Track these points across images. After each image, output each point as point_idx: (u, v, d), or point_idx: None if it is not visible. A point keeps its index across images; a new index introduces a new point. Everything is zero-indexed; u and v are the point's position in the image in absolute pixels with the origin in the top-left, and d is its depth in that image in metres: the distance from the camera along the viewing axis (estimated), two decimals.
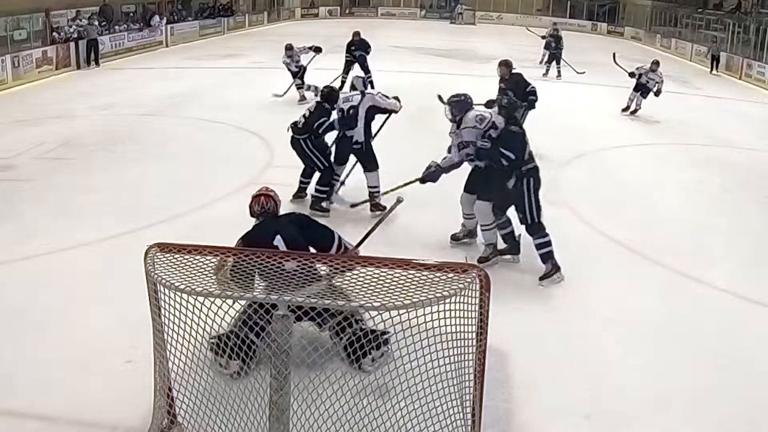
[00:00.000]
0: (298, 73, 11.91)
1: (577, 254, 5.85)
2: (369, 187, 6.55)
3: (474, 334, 3.03)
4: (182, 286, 2.84)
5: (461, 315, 2.95)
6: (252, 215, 4.08)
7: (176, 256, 3.07)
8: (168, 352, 3.07)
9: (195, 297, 2.82)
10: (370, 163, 6.55)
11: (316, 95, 11.36)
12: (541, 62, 17.28)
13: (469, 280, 2.94)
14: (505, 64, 8.70)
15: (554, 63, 16.60)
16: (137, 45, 19.24)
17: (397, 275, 3.05)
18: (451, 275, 3.03)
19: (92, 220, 6.19)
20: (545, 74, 16.47)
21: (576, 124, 11.04)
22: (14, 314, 4.47)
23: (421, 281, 3.02)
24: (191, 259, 3.04)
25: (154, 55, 19.09)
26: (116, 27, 18.92)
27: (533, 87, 8.55)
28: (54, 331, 4.30)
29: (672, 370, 4.17)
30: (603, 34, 32.99)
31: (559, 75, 16.49)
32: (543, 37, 17.54)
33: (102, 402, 3.60)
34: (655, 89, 11.64)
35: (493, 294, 3.00)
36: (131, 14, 20.52)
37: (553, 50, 16.64)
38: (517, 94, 7.75)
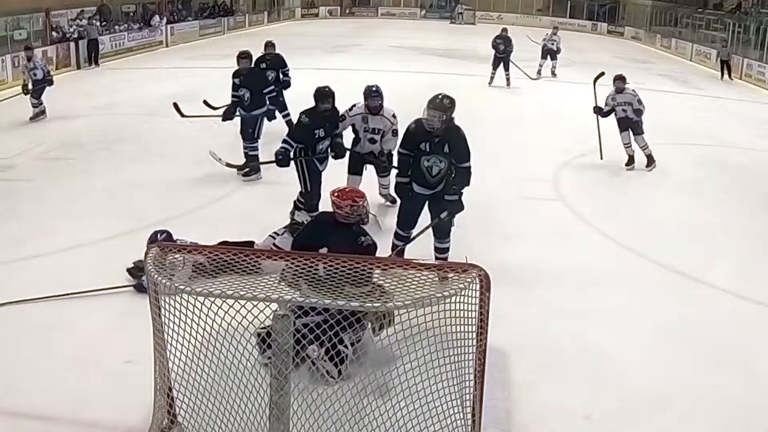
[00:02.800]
0: (40, 85, 10.24)
1: (577, 254, 5.86)
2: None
3: (474, 334, 3.03)
4: (182, 286, 2.85)
5: (461, 315, 2.95)
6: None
7: (176, 256, 3.07)
8: (168, 352, 3.07)
9: (195, 297, 2.82)
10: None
11: (38, 116, 10.08)
12: (538, 73, 15.88)
13: (469, 280, 2.94)
14: (246, 56, 7.57)
15: (501, 68, 14.52)
16: (137, 45, 19.24)
17: (398, 275, 3.05)
18: (451, 275, 3.03)
19: (92, 220, 6.19)
20: (490, 83, 14.62)
21: (576, 125, 11.00)
22: (14, 314, 4.46)
23: (421, 281, 3.02)
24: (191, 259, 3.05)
25: (154, 55, 19.10)
26: (116, 27, 18.92)
27: (272, 89, 7.77)
28: (54, 331, 4.30)
29: (672, 370, 4.16)
30: (603, 34, 33.02)
31: (508, 83, 14.52)
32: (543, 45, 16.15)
33: (102, 402, 3.60)
34: (635, 116, 8.24)
35: (493, 294, 3.00)
36: (131, 14, 20.52)
37: (501, 54, 14.37)
38: (254, 91, 7.36)
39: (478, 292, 2.94)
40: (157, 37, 20.54)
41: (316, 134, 5.83)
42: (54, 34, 15.69)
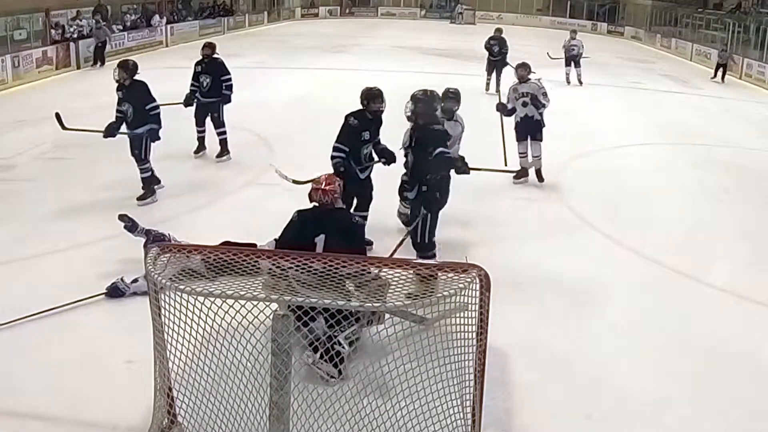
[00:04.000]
0: None
1: (578, 254, 5.87)
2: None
3: (474, 334, 3.03)
4: (182, 286, 2.85)
5: (461, 315, 2.95)
6: (310, 200, 4.12)
7: (176, 256, 3.07)
8: (168, 352, 3.07)
9: (195, 297, 2.82)
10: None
11: None
12: (567, 81, 15.15)
13: (469, 280, 2.94)
14: (123, 66, 6.76)
15: (494, 73, 13.57)
16: (137, 45, 19.25)
17: (398, 275, 3.05)
18: (451, 275, 3.03)
19: (92, 219, 6.19)
20: (486, 89, 13.59)
21: (576, 125, 11.02)
22: (14, 314, 4.45)
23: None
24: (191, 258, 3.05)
25: (154, 55, 19.08)
26: (116, 27, 18.90)
27: (156, 106, 6.76)
28: (54, 332, 4.30)
29: (672, 370, 4.17)
30: (603, 34, 33.00)
31: (497, 88, 12.72)
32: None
33: (102, 402, 3.60)
34: (536, 112, 7.50)
35: (493, 294, 3.00)
36: (131, 14, 20.51)
37: (495, 56, 13.56)
38: (136, 107, 6.64)
39: (478, 292, 2.94)
40: (157, 37, 20.54)
41: (362, 137, 5.44)
42: (52, 32, 15.69)
